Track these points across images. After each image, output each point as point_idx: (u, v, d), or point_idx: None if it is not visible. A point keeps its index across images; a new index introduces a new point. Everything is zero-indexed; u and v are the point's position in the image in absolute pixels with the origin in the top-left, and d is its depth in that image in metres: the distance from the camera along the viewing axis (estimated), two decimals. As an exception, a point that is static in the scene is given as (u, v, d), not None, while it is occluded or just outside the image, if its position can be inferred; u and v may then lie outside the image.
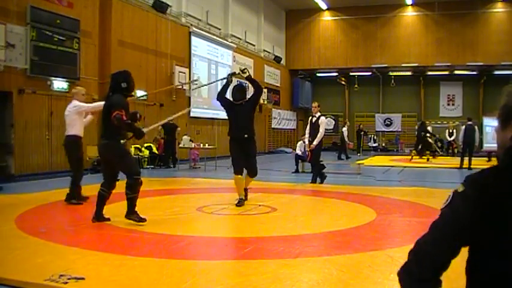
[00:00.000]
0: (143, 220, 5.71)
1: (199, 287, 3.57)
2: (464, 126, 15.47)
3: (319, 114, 10.34)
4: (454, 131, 20.82)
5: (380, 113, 29.52)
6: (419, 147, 19.50)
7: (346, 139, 21.07)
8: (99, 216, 5.89)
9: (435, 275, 1.44)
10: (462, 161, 14.90)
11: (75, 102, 7.62)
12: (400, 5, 26.46)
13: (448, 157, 20.38)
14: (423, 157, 19.02)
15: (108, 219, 5.91)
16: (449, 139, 21.25)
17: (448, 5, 25.34)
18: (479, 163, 16.75)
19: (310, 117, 10.48)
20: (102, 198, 5.95)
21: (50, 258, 4.17)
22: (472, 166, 14.45)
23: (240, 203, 7.21)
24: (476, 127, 15.15)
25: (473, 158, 14.71)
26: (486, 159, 17.19)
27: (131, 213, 5.81)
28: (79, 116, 7.49)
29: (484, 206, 1.35)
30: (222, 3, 21.40)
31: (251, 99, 7.48)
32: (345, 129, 21.54)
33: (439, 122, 26.47)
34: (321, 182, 10.32)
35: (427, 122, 23.18)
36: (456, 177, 13.41)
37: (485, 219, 1.34)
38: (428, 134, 19.56)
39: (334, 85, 29.87)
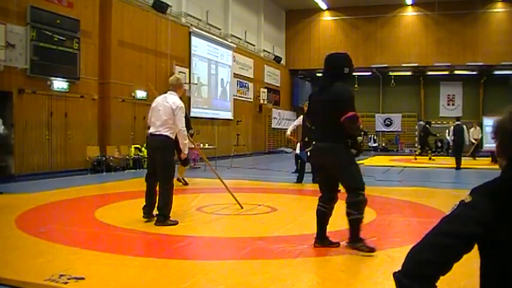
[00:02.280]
0: (372, 250, 4.45)
1: (199, 287, 3.57)
2: (452, 127, 15.65)
3: None
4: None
5: (380, 113, 29.51)
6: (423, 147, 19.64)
7: None
8: (323, 240, 4.67)
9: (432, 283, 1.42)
10: (457, 160, 15.08)
11: (177, 100, 5.99)
12: (400, 5, 26.44)
13: (448, 157, 20.39)
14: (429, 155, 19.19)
15: (337, 244, 4.68)
16: (449, 139, 21.25)
17: (448, 5, 25.32)
18: (482, 163, 16.85)
19: (302, 117, 10.67)
20: (323, 217, 4.68)
21: (50, 258, 4.17)
22: (461, 166, 14.60)
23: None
24: (464, 127, 15.28)
25: (476, 158, 14.76)
26: (490, 159, 17.17)
27: (356, 240, 4.52)
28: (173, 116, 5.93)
29: (499, 211, 1.37)
30: (222, 3, 21.40)
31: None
32: None
33: (439, 122, 26.45)
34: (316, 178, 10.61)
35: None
36: (455, 177, 13.42)
37: (501, 224, 1.36)
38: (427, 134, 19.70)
39: (334, 85, 29.81)
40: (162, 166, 5.87)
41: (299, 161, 13.04)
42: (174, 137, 5.95)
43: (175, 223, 5.82)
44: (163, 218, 5.78)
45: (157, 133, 5.87)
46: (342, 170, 4.55)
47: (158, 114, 5.91)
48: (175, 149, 6.23)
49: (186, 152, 6.17)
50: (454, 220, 1.42)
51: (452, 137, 15.43)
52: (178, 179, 9.71)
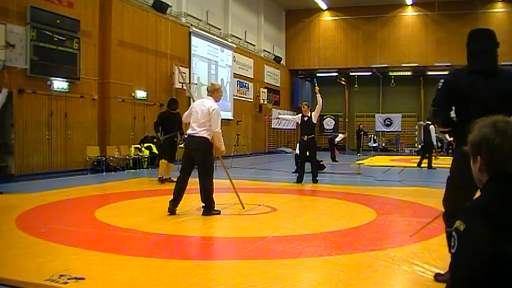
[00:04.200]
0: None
1: (199, 287, 3.57)
2: (423, 128, 16.10)
3: (310, 113, 10.79)
4: None
5: (380, 113, 29.51)
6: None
7: (335, 142, 20.69)
8: None
9: None
10: (421, 160, 15.54)
11: (213, 104, 6.49)
12: (400, 5, 26.45)
13: (448, 157, 20.35)
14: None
15: None
16: (449, 139, 21.16)
17: (448, 5, 25.33)
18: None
19: (301, 115, 10.90)
20: None
21: (50, 258, 4.17)
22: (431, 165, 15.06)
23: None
24: (431, 127, 15.53)
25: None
26: None
27: None
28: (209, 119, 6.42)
29: (494, 232, 1.37)
30: (222, 3, 21.40)
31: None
32: (341, 135, 21.50)
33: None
34: (317, 176, 10.76)
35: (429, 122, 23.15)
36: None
37: (501, 243, 1.36)
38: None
39: (334, 85, 29.86)
40: (202, 165, 6.48)
41: (299, 160, 13.07)
42: (210, 138, 6.48)
43: (218, 212, 6.55)
44: (208, 209, 6.48)
45: (195, 135, 6.42)
46: None
47: (196, 117, 6.46)
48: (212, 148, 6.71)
49: (223, 148, 6.75)
50: (462, 267, 1.42)
51: (422, 138, 15.91)
52: (166, 179, 10.18)
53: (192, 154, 6.47)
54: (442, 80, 3.57)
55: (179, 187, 6.57)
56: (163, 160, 10.34)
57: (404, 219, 6.36)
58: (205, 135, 6.41)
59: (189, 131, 6.52)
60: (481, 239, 1.38)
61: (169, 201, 6.50)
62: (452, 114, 3.50)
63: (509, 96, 3.33)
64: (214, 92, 6.68)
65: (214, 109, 6.42)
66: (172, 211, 6.43)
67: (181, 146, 10.10)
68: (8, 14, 10.67)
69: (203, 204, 6.56)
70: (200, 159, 6.44)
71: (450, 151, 21.99)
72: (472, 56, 3.52)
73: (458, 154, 3.42)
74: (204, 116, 6.40)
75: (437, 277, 3.72)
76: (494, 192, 1.47)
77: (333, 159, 19.29)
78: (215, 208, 6.59)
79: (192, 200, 7.96)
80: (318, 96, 10.66)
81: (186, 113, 6.75)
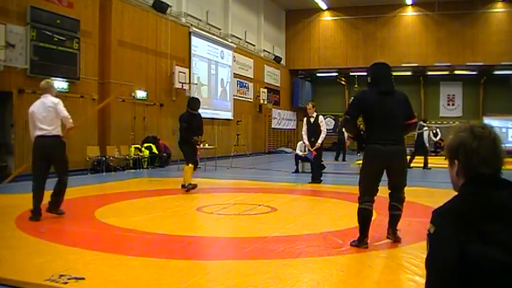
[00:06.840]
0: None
1: (199, 287, 3.57)
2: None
3: (316, 114, 10.43)
4: (438, 130, 20.67)
5: (380, 113, 29.47)
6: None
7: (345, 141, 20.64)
8: (365, 240, 4.77)
9: None
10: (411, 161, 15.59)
11: (54, 99, 6.46)
12: (400, 5, 26.45)
13: (436, 157, 20.12)
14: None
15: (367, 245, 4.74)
16: (434, 139, 20.90)
17: (448, 5, 25.33)
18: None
19: (307, 118, 10.51)
20: (371, 215, 4.86)
21: (50, 258, 4.18)
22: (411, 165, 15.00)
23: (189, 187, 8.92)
24: (425, 129, 15.88)
25: None
26: None
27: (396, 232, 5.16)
28: (57, 114, 6.33)
29: (464, 233, 1.37)
30: (222, 3, 21.40)
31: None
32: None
33: (439, 122, 26.45)
34: (319, 178, 10.57)
35: (428, 122, 23.14)
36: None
37: (471, 243, 1.37)
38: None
39: (334, 85, 29.86)
40: (60, 163, 6.31)
41: (299, 160, 13.07)
42: (62, 134, 6.36)
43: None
44: (57, 207, 6.22)
45: (48, 134, 6.18)
46: (404, 170, 4.95)
47: (43, 119, 6.22)
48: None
49: (72, 124, 6.43)
50: (435, 270, 1.42)
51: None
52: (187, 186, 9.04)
53: (51, 155, 6.22)
54: (353, 97, 5.03)
55: (40, 195, 6.15)
56: (189, 165, 9.24)
57: (404, 219, 6.34)
58: (58, 133, 6.29)
59: (40, 132, 6.18)
60: (449, 240, 1.38)
61: (32, 211, 6.05)
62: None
63: (402, 106, 4.90)
64: (50, 89, 6.65)
65: (57, 102, 6.36)
66: (37, 219, 6.01)
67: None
68: (8, 14, 10.67)
69: (50, 200, 6.23)
70: (59, 157, 6.27)
71: (438, 150, 22.15)
72: (377, 81, 4.96)
73: (367, 151, 4.81)
74: (52, 114, 6.25)
75: None
76: (468, 193, 1.48)
77: (338, 158, 19.38)
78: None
79: (191, 200, 7.98)
80: (324, 128, 10.34)
81: (30, 120, 6.36)
